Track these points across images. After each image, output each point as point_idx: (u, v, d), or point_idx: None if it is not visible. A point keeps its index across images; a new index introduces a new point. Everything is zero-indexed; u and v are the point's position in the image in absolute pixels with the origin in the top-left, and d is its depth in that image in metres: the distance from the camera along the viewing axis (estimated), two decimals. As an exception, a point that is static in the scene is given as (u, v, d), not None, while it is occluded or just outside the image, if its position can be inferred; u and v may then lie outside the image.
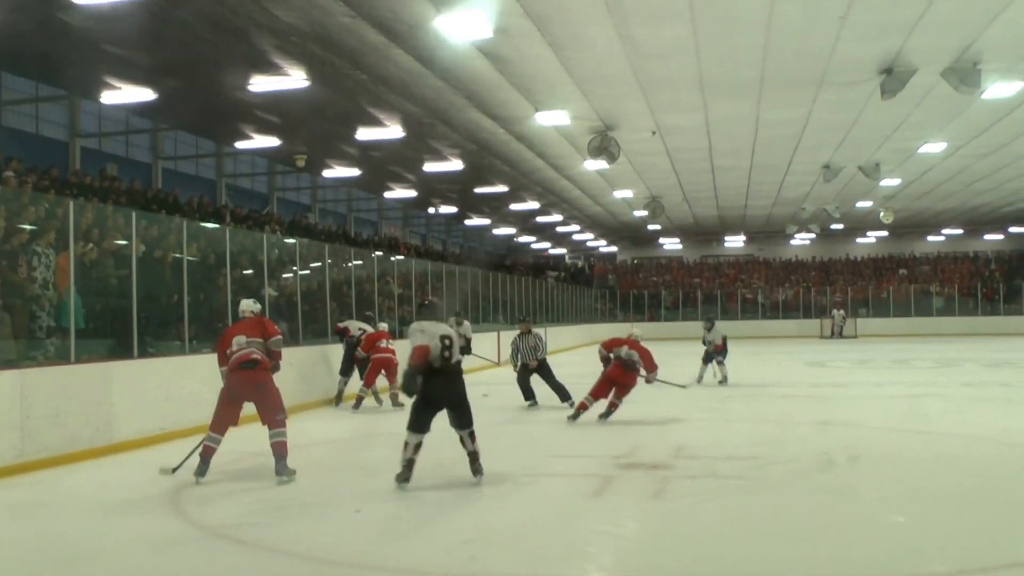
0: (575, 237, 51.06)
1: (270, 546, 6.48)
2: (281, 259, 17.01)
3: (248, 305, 9.47)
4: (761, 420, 13.18)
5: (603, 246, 56.62)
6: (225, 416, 8.73)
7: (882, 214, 38.99)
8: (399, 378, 12.57)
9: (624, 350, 12.73)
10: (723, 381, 18.07)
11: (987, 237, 53.44)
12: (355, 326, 15.76)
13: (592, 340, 39.95)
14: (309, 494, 7.99)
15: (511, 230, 47.54)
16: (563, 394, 14.40)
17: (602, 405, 12.72)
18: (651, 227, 47.47)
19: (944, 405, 14.75)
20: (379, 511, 7.33)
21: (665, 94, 19.87)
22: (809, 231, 46.97)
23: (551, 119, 21.40)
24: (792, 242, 53.72)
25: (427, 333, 8.04)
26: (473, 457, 8.20)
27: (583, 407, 12.76)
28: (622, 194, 34.98)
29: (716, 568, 5.86)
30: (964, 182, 34.61)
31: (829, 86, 19.36)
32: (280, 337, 9.16)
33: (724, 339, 18.40)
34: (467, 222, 44.16)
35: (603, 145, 22.70)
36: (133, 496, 8.24)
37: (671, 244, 56.10)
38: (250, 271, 15.44)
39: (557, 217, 41.62)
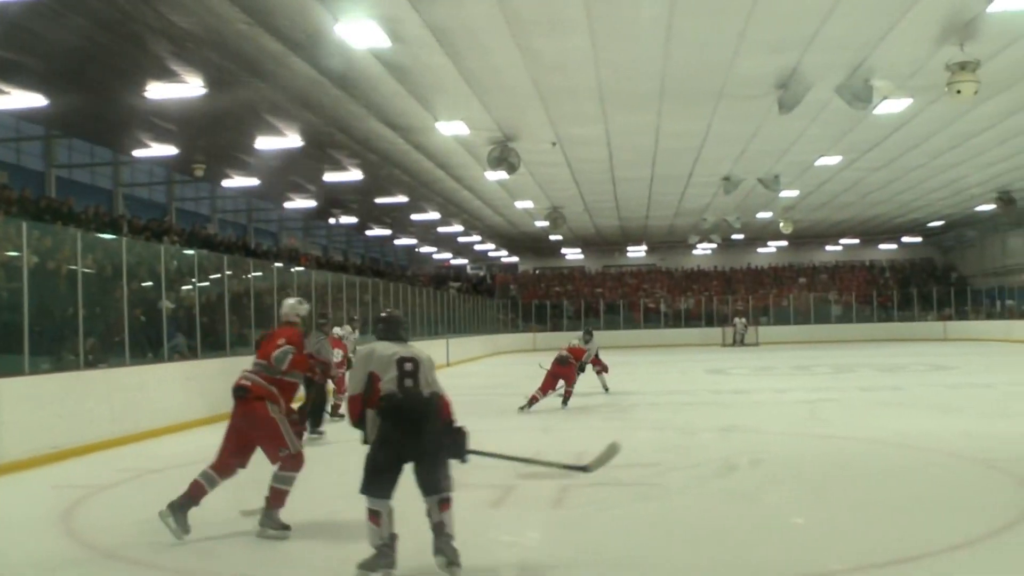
0: (477, 247, 51.08)
1: (164, 566, 6.33)
2: (180, 271, 16.69)
3: (291, 307, 7.70)
4: (663, 427, 13.32)
5: (505, 256, 56.73)
6: (226, 452, 7.06)
7: (782, 224, 39.81)
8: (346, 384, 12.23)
9: (563, 352, 16.07)
10: (606, 390, 18.29)
11: (882, 247, 55.04)
12: None
13: (495, 351, 40.07)
14: (207, 513, 7.79)
15: (412, 240, 47.41)
16: (313, 421, 12.34)
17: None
18: (553, 237, 47.64)
19: (842, 409, 15.14)
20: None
21: (565, 105, 20.02)
22: (711, 241, 47.67)
23: (451, 129, 21.37)
24: (694, 252, 54.45)
25: (375, 360, 6.02)
26: (439, 530, 5.76)
27: (535, 399, 15.35)
28: (523, 205, 35.08)
29: (617, 574, 5.89)
30: (859, 194, 35.59)
31: (728, 99, 19.72)
32: (281, 351, 7.09)
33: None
34: (368, 233, 43.86)
35: (503, 156, 22.76)
36: (23, 517, 7.99)
37: (573, 254, 56.46)
38: (148, 283, 15.11)
39: (458, 228, 41.61)
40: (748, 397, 17.84)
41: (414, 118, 20.80)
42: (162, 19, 14.13)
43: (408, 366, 5.94)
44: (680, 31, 15.31)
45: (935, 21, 15.13)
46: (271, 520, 6.93)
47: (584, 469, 6.74)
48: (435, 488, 5.75)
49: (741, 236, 47.41)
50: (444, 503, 5.76)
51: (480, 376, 19.25)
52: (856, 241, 53.55)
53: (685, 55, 16.65)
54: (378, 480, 5.74)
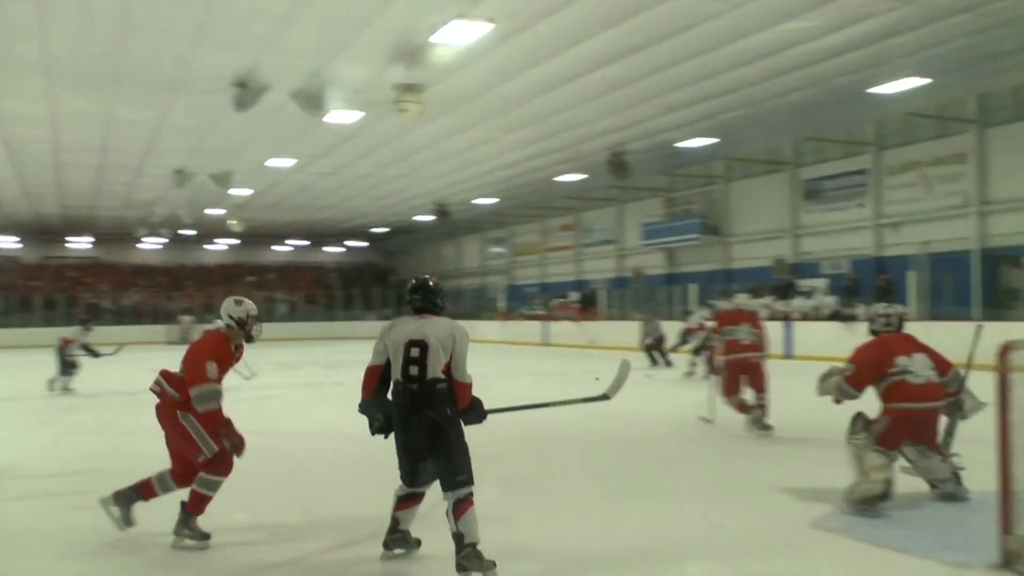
0: None
1: None
2: None
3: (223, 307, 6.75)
4: (104, 431, 12.73)
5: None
6: (172, 459, 6.51)
7: (233, 222, 39.75)
8: None
9: None
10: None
11: (330, 249, 57.27)
12: None
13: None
14: None
15: None
16: None
17: None
18: (-16, 223, 43.64)
19: (288, 405, 15.52)
20: None
21: (3, 76, 18.34)
22: (160, 235, 46.43)
23: None
24: (142, 246, 52.71)
25: (390, 340, 5.51)
26: (458, 543, 5.23)
27: None
28: (-50, 185, 31.66)
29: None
30: (310, 197, 36.62)
31: (185, 91, 19.31)
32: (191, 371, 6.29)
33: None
34: None
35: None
36: None
37: (8, 243, 51.94)
38: None
39: None
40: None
41: None
42: None
43: (415, 351, 5.35)
44: (137, 15, 14.74)
45: (386, 43, 16.06)
46: (189, 528, 6.24)
47: (604, 397, 6.19)
48: (447, 484, 5.32)
49: (191, 232, 46.73)
50: (459, 506, 5.24)
51: None
52: (305, 242, 55.14)
53: (142, 41, 16.04)
54: (400, 467, 5.61)
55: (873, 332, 7.42)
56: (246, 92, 18.34)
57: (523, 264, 47.76)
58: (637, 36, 16.06)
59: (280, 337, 44.40)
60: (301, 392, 17.88)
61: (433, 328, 5.44)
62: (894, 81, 19.35)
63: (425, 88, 17.41)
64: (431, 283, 5.70)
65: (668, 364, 22.31)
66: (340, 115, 20.78)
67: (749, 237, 32.37)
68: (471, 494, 5.32)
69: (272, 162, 27.59)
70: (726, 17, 15.11)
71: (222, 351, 6.45)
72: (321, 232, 51.07)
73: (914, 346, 7.04)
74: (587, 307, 37.17)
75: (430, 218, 41.33)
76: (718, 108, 21.74)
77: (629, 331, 28.35)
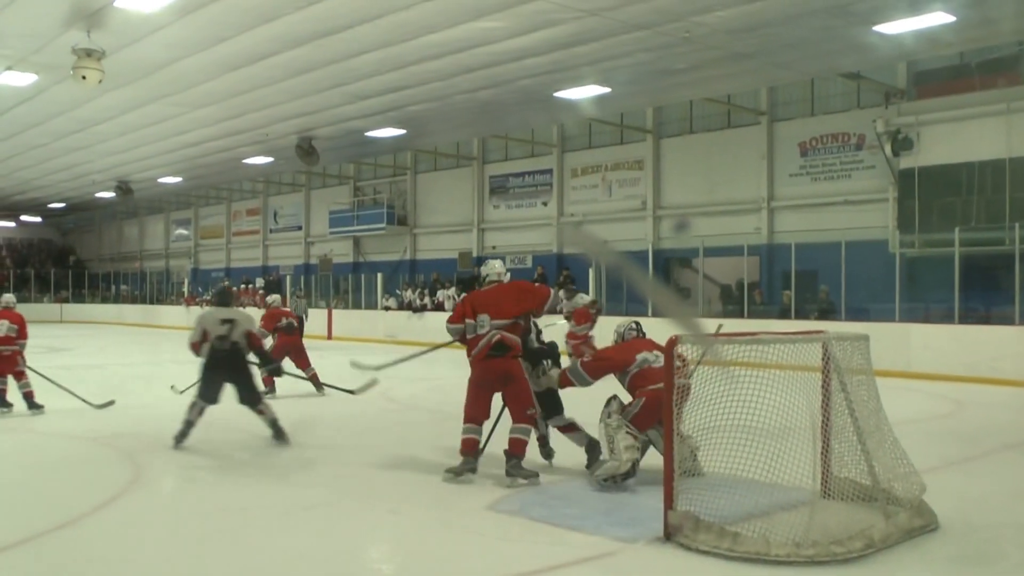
0: None
1: None
2: None
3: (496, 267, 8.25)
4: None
5: None
6: (478, 406, 7.85)
7: None
8: None
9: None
10: None
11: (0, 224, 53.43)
12: None
13: None
14: None
15: None
16: None
17: None
18: None
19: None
20: None
21: None
22: None
23: None
24: None
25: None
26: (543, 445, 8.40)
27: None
28: None
29: None
30: (-25, 165, 33.99)
31: None
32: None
33: None
34: None
35: None
36: None
37: None
38: None
39: None
40: None
41: None
42: None
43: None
44: None
45: (64, 1, 15.18)
46: (518, 469, 7.43)
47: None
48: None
49: None
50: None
51: None
52: (-31, 215, 51.26)
53: None
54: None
55: (622, 339, 8.11)
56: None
57: (209, 248, 46.63)
58: (327, 21, 16.13)
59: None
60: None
61: None
62: (577, 88, 20.49)
63: (106, 55, 16.68)
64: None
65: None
66: (11, 76, 19.50)
67: (435, 229, 33.33)
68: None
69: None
70: (416, 10, 15.45)
71: None
72: (-12, 204, 47.49)
73: (655, 346, 7.60)
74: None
75: (112, 195, 39.44)
76: (406, 100, 22.17)
77: (316, 319, 28.58)
